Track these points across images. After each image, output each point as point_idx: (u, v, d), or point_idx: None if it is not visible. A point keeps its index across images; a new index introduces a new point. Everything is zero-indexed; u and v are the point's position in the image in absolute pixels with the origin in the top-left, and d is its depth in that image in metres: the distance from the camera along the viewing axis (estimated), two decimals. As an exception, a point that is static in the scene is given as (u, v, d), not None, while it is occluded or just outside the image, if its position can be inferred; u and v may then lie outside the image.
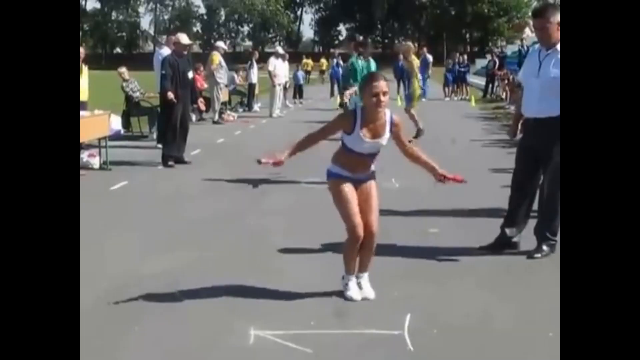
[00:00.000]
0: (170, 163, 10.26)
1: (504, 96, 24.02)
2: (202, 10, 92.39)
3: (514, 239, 5.69)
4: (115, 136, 12.63)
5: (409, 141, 4.77)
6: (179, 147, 10.48)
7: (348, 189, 4.44)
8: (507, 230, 5.71)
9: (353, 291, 4.55)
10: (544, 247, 5.52)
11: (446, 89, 27.34)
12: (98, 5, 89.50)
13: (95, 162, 10.01)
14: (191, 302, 4.49)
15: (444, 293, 4.68)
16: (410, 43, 17.91)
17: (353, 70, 9.58)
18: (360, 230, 4.41)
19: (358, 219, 4.41)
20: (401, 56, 24.30)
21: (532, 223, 5.68)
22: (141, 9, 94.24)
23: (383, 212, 6.99)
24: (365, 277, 4.65)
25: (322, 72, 38.18)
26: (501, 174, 8.48)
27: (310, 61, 37.92)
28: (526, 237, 5.67)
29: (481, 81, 30.38)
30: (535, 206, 5.73)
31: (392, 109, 4.55)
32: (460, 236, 6.10)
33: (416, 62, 14.32)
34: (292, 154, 4.44)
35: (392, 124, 4.45)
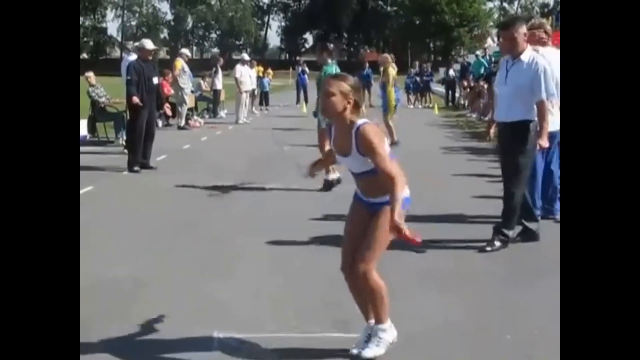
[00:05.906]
0: (135, 168, 10.24)
1: (465, 104, 24.38)
2: (170, 17, 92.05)
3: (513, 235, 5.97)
4: (81, 141, 12.57)
5: None
6: (144, 152, 10.46)
7: (352, 211, 3.85)
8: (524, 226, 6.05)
9: (357, 341, 3.83)
10: (496, 243, 5.81)
11: (409, 97, 27.62)
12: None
13: (60, 167, 9.94)
14: (154, 306, 4.51)
15: (403, 298, 4.68)
16: (387, 54, 17.96)
17: (322, 78, 8.95)
18: (343, 262, 3.80)
19: (343, 248, 3.82)
20: (367, 64, 24.58)
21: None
22: (108, 15, 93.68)
23: (332, 217, 6.91)
24: (375, 330, 3.77)
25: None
26: (462, 180, 8.67)
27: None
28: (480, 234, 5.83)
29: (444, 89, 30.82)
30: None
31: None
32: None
33: (393, 73, 13.92)
34: (319, 167, 4.17)
35: (357, 136, 3.52)
